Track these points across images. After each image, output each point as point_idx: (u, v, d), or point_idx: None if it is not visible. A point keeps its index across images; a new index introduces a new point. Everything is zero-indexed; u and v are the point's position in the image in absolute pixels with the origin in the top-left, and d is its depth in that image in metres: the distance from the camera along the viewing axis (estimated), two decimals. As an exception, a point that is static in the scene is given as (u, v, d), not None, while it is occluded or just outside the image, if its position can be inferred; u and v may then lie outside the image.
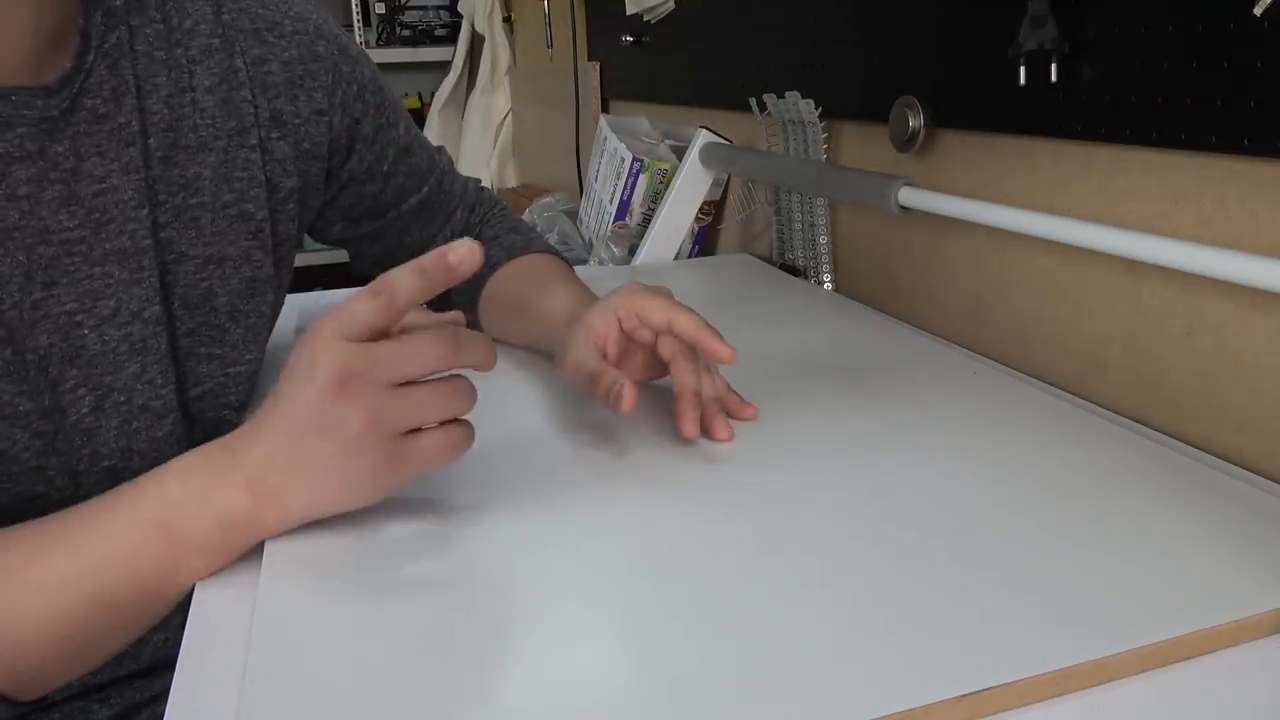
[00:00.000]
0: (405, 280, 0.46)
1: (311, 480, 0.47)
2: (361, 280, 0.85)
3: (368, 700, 0.37)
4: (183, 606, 0.47)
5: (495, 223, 0.84)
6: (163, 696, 0.42)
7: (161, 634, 0.64)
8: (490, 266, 0.80)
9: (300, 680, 0.39)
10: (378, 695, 0.38)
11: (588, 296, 0.72)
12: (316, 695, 0.38)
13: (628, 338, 0.61)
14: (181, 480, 0.49)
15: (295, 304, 0.96)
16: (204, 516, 0.47)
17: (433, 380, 0.48)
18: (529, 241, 0.82)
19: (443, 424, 0.48)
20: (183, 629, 0.45)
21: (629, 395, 0.55)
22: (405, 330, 0.48)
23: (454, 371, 0.48)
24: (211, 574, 0.49)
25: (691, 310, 0.59)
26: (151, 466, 0.61)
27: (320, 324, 0.46)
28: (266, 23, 0.65)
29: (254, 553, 0.49)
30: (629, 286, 0.62)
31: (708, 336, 0.58)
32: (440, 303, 0.83)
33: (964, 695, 0.36)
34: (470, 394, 0.48)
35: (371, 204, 0.76)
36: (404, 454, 0.47)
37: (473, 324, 0.81)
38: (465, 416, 0.49)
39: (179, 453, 0.63)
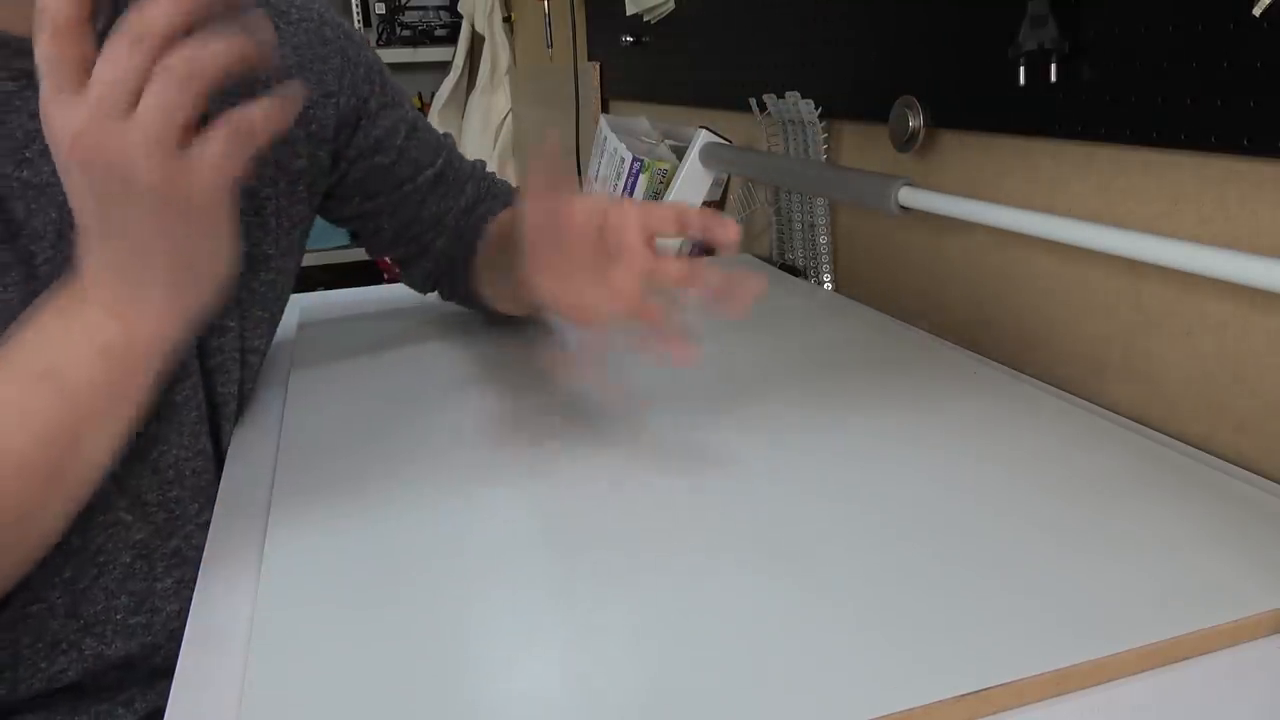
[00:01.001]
0: None
1: (143, 260, 0.45)
2: (372, 266, 0.85)
3: (369, 700, 0.37)
4: (182, 611, 0.47)
5: (498, 188, 0.85)
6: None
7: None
8: (482, 219, 0.81)
9: (301, 680, 0.39)
10: (379, 695, 0.38)
11: None
12: (317, 695, 0.38)
13: (597, 231, 0.55)
14: (55, 325, 0.47)
15: (296, 303, 0.96)
16: (86, 354, 0.46)
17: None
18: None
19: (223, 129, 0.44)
20: None
21: None
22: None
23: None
24: (118, 414, 0.48)
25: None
26: (167, 428, 0.62)
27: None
28: (275, 10, 0.68)
29: (253, 553, 0.49)
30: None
31: (717, 222, 0.53)
32: (458, 283, 0.84)
33: (964, 695, 0.36)
34: (208, 54, 0.41)
35: (385, 176, 0.76)
36: (187, 167, 0.43)
37: (474, 286, 0.81)
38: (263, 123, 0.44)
39: (196, 418, 0.64)
